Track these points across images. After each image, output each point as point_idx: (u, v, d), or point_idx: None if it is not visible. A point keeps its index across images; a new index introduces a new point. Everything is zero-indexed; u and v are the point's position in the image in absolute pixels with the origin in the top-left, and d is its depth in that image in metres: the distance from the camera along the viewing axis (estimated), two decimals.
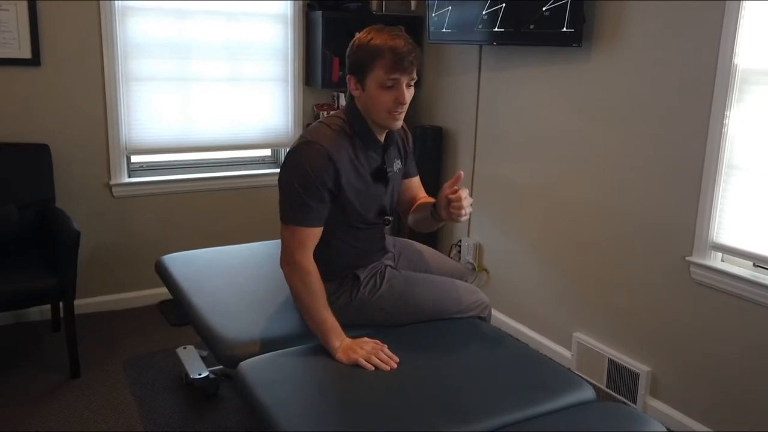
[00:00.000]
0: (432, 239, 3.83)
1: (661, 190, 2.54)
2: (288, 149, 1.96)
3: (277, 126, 3.82)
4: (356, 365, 1.79)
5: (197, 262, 2.59)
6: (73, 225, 2.69)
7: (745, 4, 2.16)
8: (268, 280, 2.42)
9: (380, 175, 1.99)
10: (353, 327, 1.94)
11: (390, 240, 2.29)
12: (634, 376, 2.69)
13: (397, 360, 1.81)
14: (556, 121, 3.00)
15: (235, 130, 3.70)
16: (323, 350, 1.88)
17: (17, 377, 2.77)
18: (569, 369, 1.84)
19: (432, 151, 3.77)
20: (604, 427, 1.54)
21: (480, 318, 2.17)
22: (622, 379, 2.76)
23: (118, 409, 2.56)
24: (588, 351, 2.91)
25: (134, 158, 3.56)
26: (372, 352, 1.82)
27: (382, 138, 1.99)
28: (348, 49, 1.89)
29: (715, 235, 2.36)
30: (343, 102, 3.86)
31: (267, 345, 1.92)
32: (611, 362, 2.80)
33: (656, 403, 2.64)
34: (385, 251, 2.19)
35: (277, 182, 1.93)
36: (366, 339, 1.88)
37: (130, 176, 3.52)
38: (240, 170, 3.83)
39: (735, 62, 2.21)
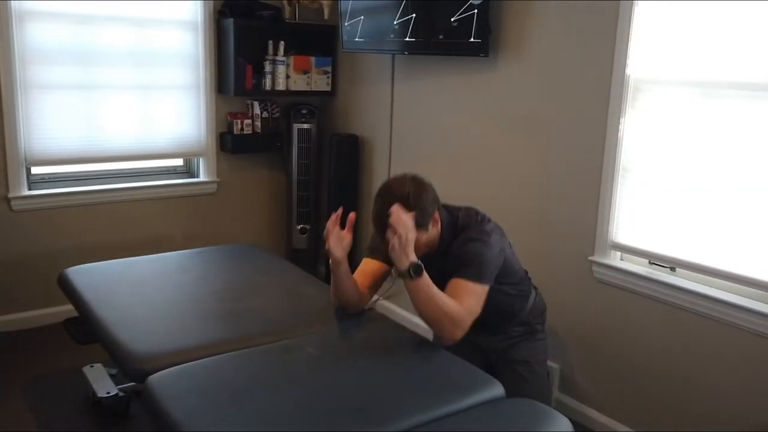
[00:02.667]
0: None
1: (564, 192, 2.66)
2: (472, 228, 2.09)
3: (189, 135, 3.73)
4: (268, 373, 1.78)
5: (103, 275, 2.50)
6: None
7: (636, 10, 2.29)
8: (177, 290, 2.37)
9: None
10: None
11: None
12: None
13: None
14: (467, 128, 3.08)
15: (144, 139, 3.59)
16: (235, 359, 1.85)
17: None
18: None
19: (348, 159, 3.78)
20: (511, 424, 1.59)
21: None
22: None
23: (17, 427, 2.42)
24: None
25: (35, 170, 3.39)
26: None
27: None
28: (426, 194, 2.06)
29: (614, 235, 2.49)
30: (257, 110, 3.82)
31: (177, 356, 1.87)
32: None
33: (567, 399, 2.75)
34: None
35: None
36: None
37: (30, 188, 3.35)
38: (151, 180, 3.72)
39: (627, 72, 2.34)
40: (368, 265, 2.16)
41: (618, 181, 2.44)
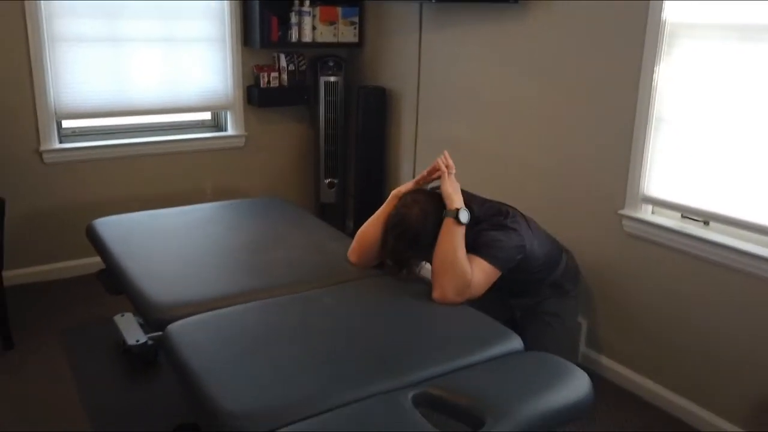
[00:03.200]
0: (377, 201, 3.81)
1: (594, 144, 2.57)
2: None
3: (216, 88, 3.71)
4: (287, 323, 1.78)
5: (130, 226, 2.52)
6: None
7: None
8: (202, 242, 2.38)
9: None
10: None
11: None
12: None
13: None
14: (494, 79, 2.99)
15: (171, 93, 3.59)
16: (254, 309, 1.86)
17: None
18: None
19: (375, 112, 3.73)
20: (526, 377, 1.57)
21: None
22: None
23: (53, 379, 2.50)
24: None
25: (66, 123, 3.43)
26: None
27: None
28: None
29: (645, 188, 2.40)
30: (283, 63, 3.78)
31: (197, 306, 1.89)
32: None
33: (594, 355, 2.71)
34: None
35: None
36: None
37: (61, 142, 3.39)
38: (179, 134, 3.73)
39: (663, 17, 2.22)
40: None
41: (651, 131, 2.34)
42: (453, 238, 1.93)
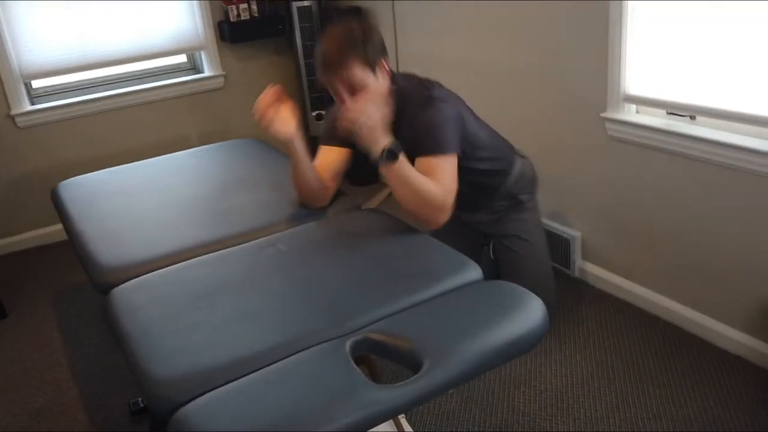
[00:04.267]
0: None
1: (568, 43, 2.35)
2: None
3: (185, 28, 3.55)
4: (234, 276, 1.70)
5: (93, 186, 2.44)
6: None
7: None
8: (162, 196, 2.29)
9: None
10: None
11: None
12: (566, 243, 2.61)
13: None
14: None
15: (140, 39, 3.45)
16: (202, 264, 1.78)
17: None
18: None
19: None
20: (475, 309, 1.45)
21: None
22: (556, 247, 2.68)
23: (44, 345, 2.52)
24: None
25: (36, 84, 3.34)
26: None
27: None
28: None
29: (626, 86, 2.19)
30: None
31: (145, 266, 1.80)
32: (545, 232, 2.71)
33: (590, 267, 2.58)
34: None
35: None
36: None
37: (33, 103, 3.31)
38: (156, 81, 3.60)
39: None
40: (327, 155, 1.97)
41: (627, 22, 2.11)
42: (401, 181, 1.70)
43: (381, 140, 1.66)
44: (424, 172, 1.74)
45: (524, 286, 1.59)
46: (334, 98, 1.81)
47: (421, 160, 1.76)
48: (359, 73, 1.71)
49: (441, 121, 1.78)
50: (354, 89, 1.71)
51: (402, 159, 1.68)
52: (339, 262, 1.74)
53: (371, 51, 1.73)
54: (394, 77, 1.87)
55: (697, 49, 1.94)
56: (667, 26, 2.01)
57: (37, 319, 2.68)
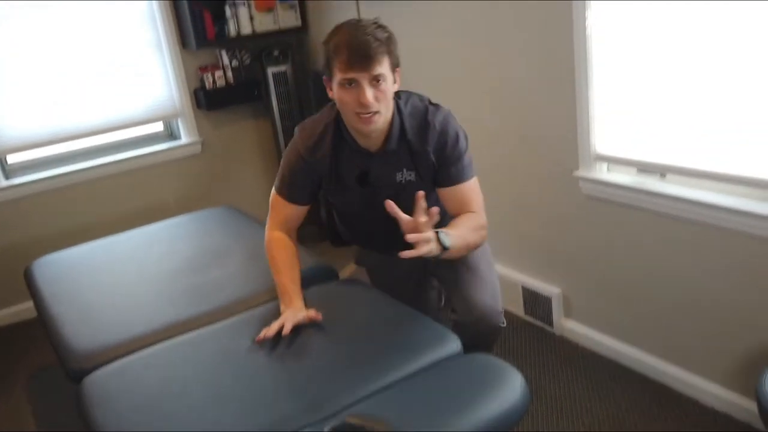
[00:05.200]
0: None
1: (539, 103, 2.39)
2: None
3: (161, 97, 3.57)
4: (206, 360, 1.66)
5: (67, 263, 2.42)
6: None
7: None
8: (137, 271, 2.27)
9: (362, 181, 1.84)
10: None
11: None
12: (547, 300, 2.61)
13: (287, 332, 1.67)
14: (437, 43, 2.80)
15: (115, 109, 3.46)
16: (176, 347, 1.75)
17: None
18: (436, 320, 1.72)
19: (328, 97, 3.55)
20: (455, 387, 1.43)
21: None
22: (537, 305, 2.67)
23: (16, 423, 2.43)
24: (502, 279, 2.80)
25: (11, 159, 3.32)
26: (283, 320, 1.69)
27: (369, 142, 1.78)
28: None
29: (596, 145, 2.22)
30: (226, 60, 3.62)
31: (119, 350, 1.77)
32: (525, 289, 2.71)
33: (572, 324, 2.57)
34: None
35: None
36: (302, 311, 1.73)
37: (8, 178, 3.29)
38: (133, 150, 3.60)
39: None
40: (294, 212, 1.92)
41: (593, 82, 2.15)
42: (457, 251, 1.65)
43: (433, 239, 1.56)
44: (463, 198, 1.79)
45: (480, 299, 1.83)
46: (355, 91, 1.66)
47: (459, 188, 1.79)
48: (387, 71, 1.68)
49: (461, 147, 1.79)
50: (378, 86, 1.66)
51: (451, 243, 1.61)
52: (317, 338, 1.71)
53: (397, 53, 1.74)
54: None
55: (665, 108, 1.98)
56: (631, 85, 2.05)
57: (11, 406, 2.60)
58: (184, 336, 1.80)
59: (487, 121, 2.64)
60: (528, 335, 2.65)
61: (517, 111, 2.49)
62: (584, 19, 2.09)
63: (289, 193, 1.89)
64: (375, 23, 1.71)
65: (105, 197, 3.48)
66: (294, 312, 1.72)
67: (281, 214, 1.92)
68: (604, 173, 2.25)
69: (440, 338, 1.63)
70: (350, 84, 1.64)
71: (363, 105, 1.65)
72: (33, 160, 3.40)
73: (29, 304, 3.20)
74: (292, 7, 3.62)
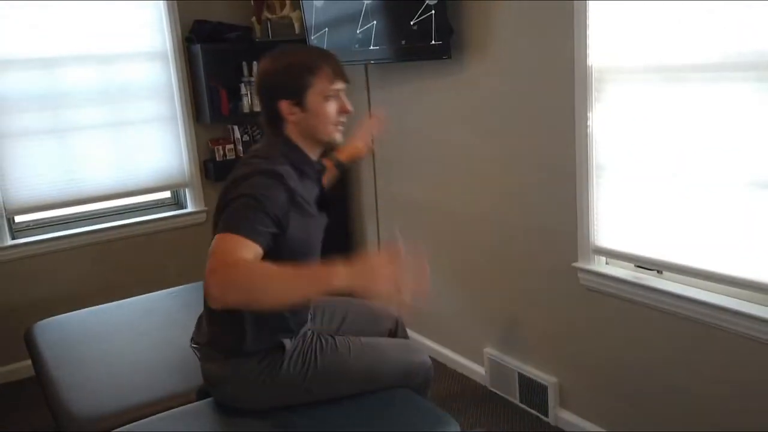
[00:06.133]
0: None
1: (540, 196, 2.48)
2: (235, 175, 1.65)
3: (172, 167, 3.67)
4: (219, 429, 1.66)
5: (69, 328, 2.44)
6: None
7: (590, 4, 2.11)
8: (139, 339, 2.29)
9: (324, 204, 1.80)
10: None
11: None
12: (543, 389, 2.61)
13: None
14: (441, 134, 2.92)
15: (125, 176, 3.54)
16: (176, 419, 1.75)
17: None
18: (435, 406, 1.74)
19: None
20: None
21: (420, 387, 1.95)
22: (532, 393, 2.68)
23: None
24: (499, 366, 2.83)
25: (19, 218, 3.38)
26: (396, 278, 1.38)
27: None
28: (267, 78, 1.72)
29: (595, 239, 2.30)
30: (237, 134, 3.74)
31: (120, 417, 1.78)
32: (521, 376, 2.72)
33: (567, 415, 2.57)
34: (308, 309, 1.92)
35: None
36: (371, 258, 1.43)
37: (14, 237, 3.33)
38: (140, 216, 3.67)
39: (589, 63, 2.15)
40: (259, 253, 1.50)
41: (593, 180, 2.25)
42: None
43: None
44: None
45: None
46: (338, 101, 1.74)
47: None
48: None
49: None
50: None
51: None
52: (318, 421, 1.72)
53: None
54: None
55: (661, 205, 2.06)
56: (631, 183, 2.14)
57: None
58: (182, 409, 1.81)
59: (489, 209, 2.73)
60: (522, 424, 2.64)
61: (520, 201, 2.58)
62: (586, 119, 2.20)
63: (262, 234, 1.50)
64: None
65: (107, 261, 3.51)
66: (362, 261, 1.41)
67: (248, 255, 1.46)
68: (602, 266, 2.31)
69: (439, 422, 1.65)
70: (334, 94, 1.72)
71: (346, 112, 1.76)
72: (39, 220, 3.45)
73: (24, 363, 3.20)
74: None
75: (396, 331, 2.19)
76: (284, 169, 1.63)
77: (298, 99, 1.70)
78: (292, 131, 1.74)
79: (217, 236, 1.48)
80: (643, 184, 2.10)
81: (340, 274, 1.36)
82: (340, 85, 1.73)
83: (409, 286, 1.40)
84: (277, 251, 1.54)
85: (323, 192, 1.83)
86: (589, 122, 2.20)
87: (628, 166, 2.14)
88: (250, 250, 1.46)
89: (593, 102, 2.18)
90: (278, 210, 1.55)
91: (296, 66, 1.70)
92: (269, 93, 1.72)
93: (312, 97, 1.70)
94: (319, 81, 1.70)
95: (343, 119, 1.77)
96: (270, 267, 1.42)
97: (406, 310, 1.44)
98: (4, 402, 3.09)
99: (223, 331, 1.73)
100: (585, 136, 2.22)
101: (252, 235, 1.47)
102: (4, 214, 3.25)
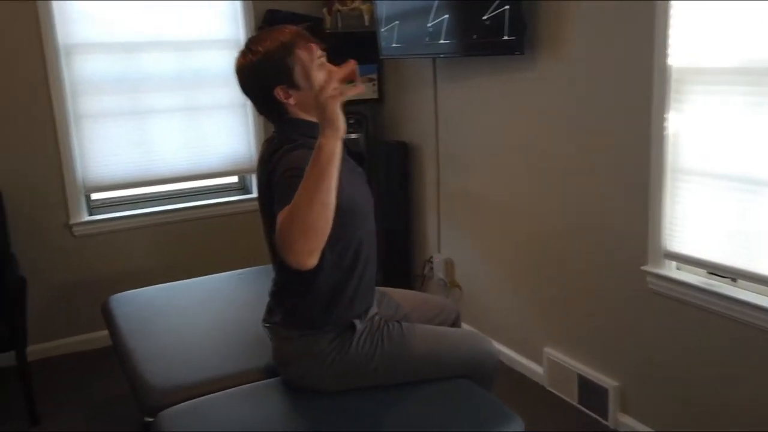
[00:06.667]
0: (403, 257, 3.75)
1: (611, 198, 2.45)
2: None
3: (240, 152, 3.76)
4: (277, 410, 1.71)
5: (144, 301, 2.53)
6: (19, 271, 2.65)
7: (673, 3, 2.07)
8: (214, 317, 2.36)
9: (357, 158, 1.81)
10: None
11: None
12: (603, 392, 2.59)
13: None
14: (509, 131, 2.91)
15: (196, 160, 3.66)
16: (249, 394, 1.81)
17: None
18: (500, 402, 1.74)
19: (397, 168, 3.69)
20: None
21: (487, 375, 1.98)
22: (592, 395, 2.65)
23: None
24: (558, 367, 2.81)
25: (95, 195, 3.53)
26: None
27: None
28: (249, 74, 1.72)
29: (667, 243, 2.25)
30: None
31: (193, 390, 1.85)
32: (581, 378, 2.70)
33: (627, 419, 2.53)
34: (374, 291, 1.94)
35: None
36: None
37: (91, 214, 3.48)
38: (207, 199, 3.78)
39: (669, 62, 2.11)
40: None
41: (668, 183, 2.21)
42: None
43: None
44: None
45: None
46: (322, 71, 1.64)
47: None
48: None
49: None
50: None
51: None
52: (379, 400, 1.75)
53: None
54: None
55: (740, 212, 2.01)
56: (709, 188, 2.09)
57: (69, 429, 2.68)
58: (257, 384, 1.87)
59: (555, 208, 2.71)
60: (580, 425, 2.62)
61: (587, 201, 2.55)
62: (663, 120, 2.16)
63: None
64: None
65: (175, 241, 3.63)
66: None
67: None
68: (673, 271, 2.27)
69: (504, 419, 1.66)
70: (318, 65, 1.69)
71: (336, 76, 1.50)
72: (113, 199, 3.60)
73: (98, 333, 3.35)
74: (371, 80, 3.82)
75: (456, 324, 2.21)
76: (306, 141, 1.62)
77: (289, 81, 1.70)
78: (295, 111, 1.75)
79: (278, 215, 1.45)
80: (721, 190, 2.06)
81: (327, 134, 1.37)
82: (318, 52, 1.71)
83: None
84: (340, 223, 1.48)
85: (348, 150, 1.74)
86: (666, 123, 2.16)
87: (706, 170, 2.09)
88: None
89: (671, 102, 2.14)
90: None
91: (273, 52, 1.69)
92: (258, 86, 1.73)
93: (300, 75, 1.69)
94: (299, 57, 1.69)
95: (335, 83, 1.54)
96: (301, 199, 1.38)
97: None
98: (84, 368, 3.25)
99: (299, 306, 1.77)
100: (661, 137, 2.18)
101: None
102: (83, 191, 3.40)
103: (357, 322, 1.79)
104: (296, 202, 1.37)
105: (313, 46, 1.71)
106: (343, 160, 1.43)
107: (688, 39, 2.06)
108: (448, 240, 3.49)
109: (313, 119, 1.58)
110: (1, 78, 3.10)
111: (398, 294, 2.15)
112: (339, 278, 1.75)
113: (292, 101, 1.72)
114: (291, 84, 1.70)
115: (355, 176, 1.80)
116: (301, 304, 1.78)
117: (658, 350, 2.36)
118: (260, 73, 1.71)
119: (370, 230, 1.84)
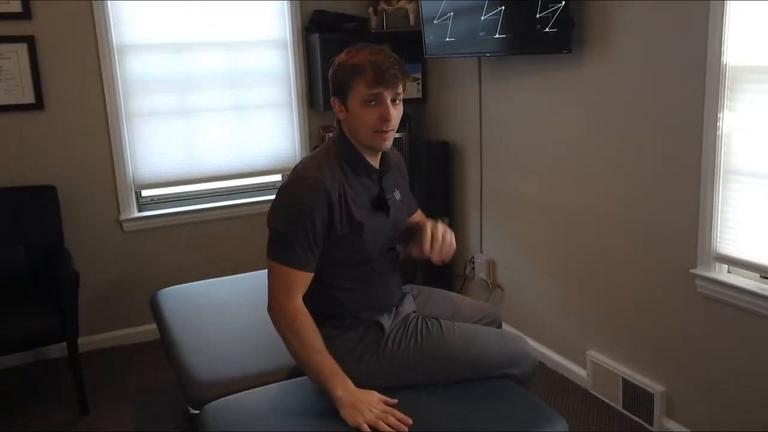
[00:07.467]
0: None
1: (660, 198, 2.40)
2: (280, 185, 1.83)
3: (285, 151, 3.81)
4: (318, 404, 1.73)
5: (190, 296, 2.59)
6: (73, 265, 2.73)
7: (729, 3, 2.01)
8: (256, 312, 2.38)
9: (380, 204, 1.83)
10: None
11: (408, 286, 2.10)
12: (649, 396, 2.54)
13: (409, 423, 1.62)
14: (554, 129, 2.88)
15: (242, 158, 3.72)
16: (293, 389, 1.83)
17: (30, 415, 2.83)
18: (545, 405, 1.72)
19: (440, 167, 3.68)
20: None
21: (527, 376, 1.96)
22: (637, 400, 2.60)
23: None
24: (602, 370, 2.76)
25: (145, 192, 3.62)
26: (381, 417, 1.63)
27: (375, 163, 1.85)
28: (329, 72, 1.80)
29: (718, 246, 2.20)
30: None
31: (238, 384, 1.89)
32: (625, 382, 2.65)
33: (673, 425, 2.48)
34: (402, 293, 2.01)
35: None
36: (374, 394, 1.70)
37: (140, 210, 3.57)
38: (251, 197, 3.84)
39: (723, 61, 2.06)
40: (306, 279, 1.77)
41: (719, 184, 2.15)
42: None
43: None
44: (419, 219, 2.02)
45: None
46: (378, 108, 1.71)
47: (416, 216, 2.08)
48: (402, 93, 1.75)
49: None
50: (396, 105, 1.73)
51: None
52: (422, 399, 1.75)
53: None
54: None
55: None
56: (763, 189, 2.04)
57: (116, 422, 2.75)
58: (298, 379, 1.89)
59: (599, 208, 2.67)
60: (624, 429, 2.58)
61: (634, 202, 2.51)
62: (717, 120, 2.11)
63: (306, 259, 1.73)
64: (388, 50, 1.76)
65: (219, 238, 3.70)
66: (365, 394, 1.70)
67: (298, 286, 1.74)
68: (723, 274, 2.21)
69: (548, 420, 1.64)
70: (373, 101, 1.69)
71: (385, 120, 1.69)
72: (161, 196, 3.68)
73: (147, 326, 3.43)
74: (416, 79, 3.82)
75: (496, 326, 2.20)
76: (329, 169, 1.73)
77: (343, 99, 1.75)
78: (345, 126, 1.80)
79: (269, 264, 1.77)
80: None
81: (337, 393, 1.68)
82: (379, 90, 1.68)
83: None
84: (333, 249, 1.76)
85: (382, 193, 1.83)
86: (719, 124, 2.11)
87: (759, 171, 2.04)
88: (301, 282, 1.74)
89: (725, 103, 2.09)
90: (319, 222, 1.70)
91: (345, 67, 1.73)
92: (331, 86, 1.79)
93: (353, 100, 1.72)
94: (360, 84, 1.69)
95: (383, 127, 1.70)
96: (311, 338, 1.71)
97: None
98: (133, 360, 3.35)
99: (318, 302, 1.80)
100: (714, 138, 2.13)
101: (297, 264, 1.72)
102: (133, 188, 3.49)
103: (382, 319, 1.82)
104: (301, 345, 1.72)
105: (374, 85, 1.68)
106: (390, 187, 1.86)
107: (744, 37, 2.00)
108: (490, 240, 3.46)
109: (355, 142, 1.79)
110: (58, 76, 3.20)
111: (444, 295, 2.16)
112: (348, 276, 1.85)
113: (341, 116, 1.79)
114: (343, 102, 1.76)
115: (369, 219, 1.80)
116: (311, 301, 1.78)
117: (707, 355, 2.30)
118: (332, 77, 1.78)
119: (370, 253, 1.87)
